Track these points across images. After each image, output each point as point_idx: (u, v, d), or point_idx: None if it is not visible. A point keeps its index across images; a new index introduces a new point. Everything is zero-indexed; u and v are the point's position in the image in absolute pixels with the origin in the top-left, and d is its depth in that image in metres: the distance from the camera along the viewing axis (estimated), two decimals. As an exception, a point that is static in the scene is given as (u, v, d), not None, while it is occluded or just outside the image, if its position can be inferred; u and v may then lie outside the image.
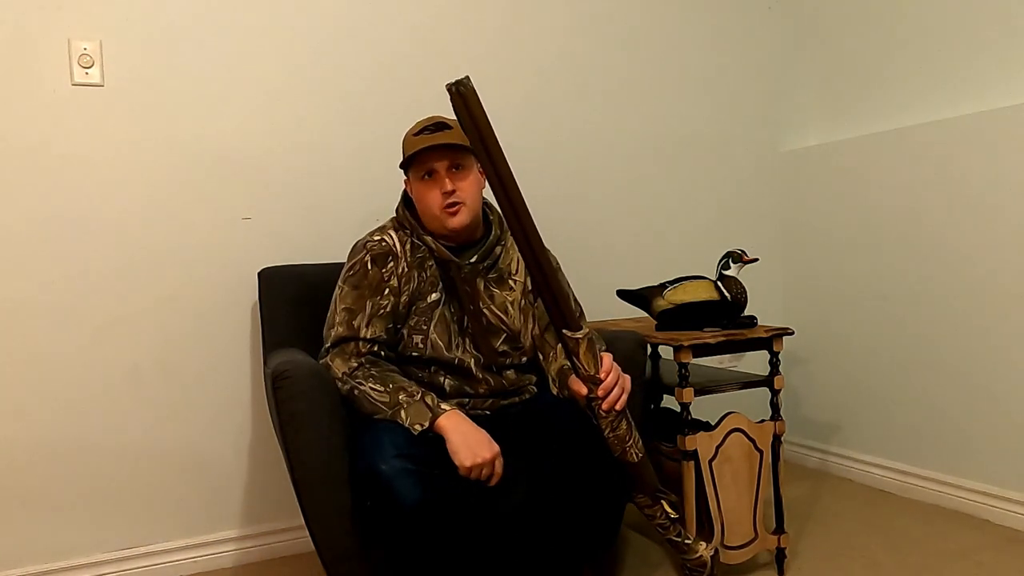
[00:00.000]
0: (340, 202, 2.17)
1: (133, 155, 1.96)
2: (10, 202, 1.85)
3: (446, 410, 1.47)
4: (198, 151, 2.02)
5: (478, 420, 1.65)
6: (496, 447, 1.45)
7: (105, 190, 1.93)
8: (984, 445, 2.23)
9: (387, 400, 1.49)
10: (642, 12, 2.60)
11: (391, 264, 1.62)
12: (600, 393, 1.43)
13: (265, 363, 1.84)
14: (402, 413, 1.47)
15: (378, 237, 1.65)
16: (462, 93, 1.31)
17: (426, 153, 1.59)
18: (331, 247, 2.09)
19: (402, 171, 1.68)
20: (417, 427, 1.45)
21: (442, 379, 1.64)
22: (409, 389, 1.51)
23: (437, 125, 1.61)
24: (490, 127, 1.34)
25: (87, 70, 1.90)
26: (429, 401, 1.49)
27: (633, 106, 2.59)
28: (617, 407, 1.45)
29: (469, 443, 1.43)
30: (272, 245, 2.09)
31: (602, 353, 1.47)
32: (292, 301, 1.93)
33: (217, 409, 2.06)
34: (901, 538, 2.10)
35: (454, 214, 1.60)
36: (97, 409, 1.94)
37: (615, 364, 1.47)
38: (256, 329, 2.06)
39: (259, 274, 1.98)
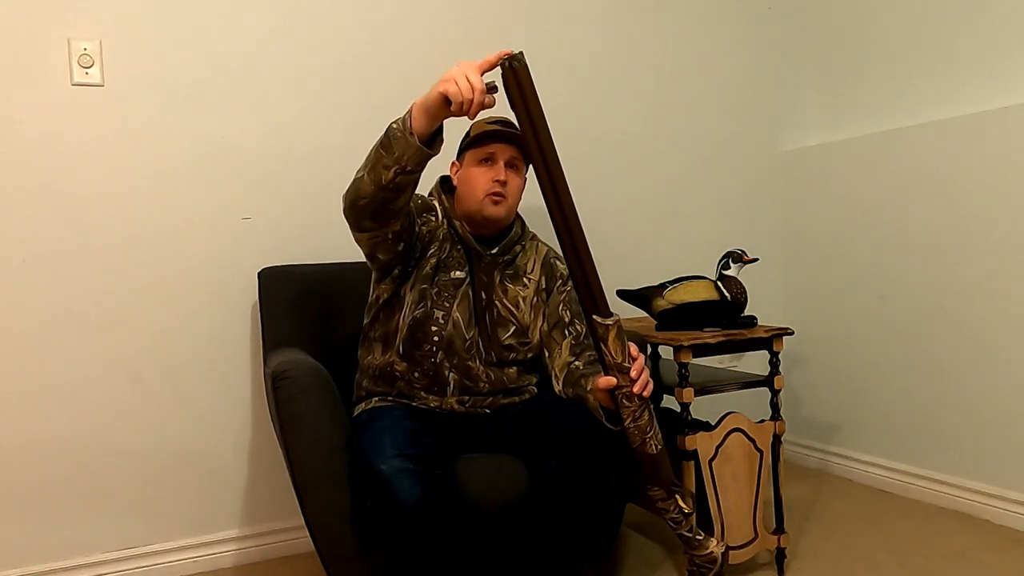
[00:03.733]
0: (340, 203, 2.16)
1: (133, 155, 1.96)
2: (10, 202, 1.85)
3: (408, 115, 1.40)
4: (198, 151, 2.02)
5: (479, 419, 1.66)
6: (459, 65, 1.33)
7: (105, 190, 1.93)
8: (984, 445, 2.23)
9: (365, 160, 1.44)
10: (641, 12, 2.60)
11: (431, 218, 1.68)
12: (633, 375, 1.41)
13: (265, 363, 1.84)
14: (379, 146, 1.41)
15: (428, 197, 1.72)
16: (515, 68, 1.32)
17: (494, 139, 1.65)
18: (331, 247, 2.09)
19: (455, 155, 1.74)
20: (410, 138, 1.37)
21: (447, 372, 1.64)
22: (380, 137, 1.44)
23: (510, 124, 1.66)
24: (539, 105, 1.34)
25: (87, 70, 1.90)
26: (393, 123, 1.41)
27: (632, 106, 2.59)
28: (645, 393, 1.44)
29: (434, 87, 1.35)
30: (272, 245, 2.09)
31: (628, 342, 1.46)
32: (292, 301, 1.93)
33: (217, 409, 2.06)
34: (901, 538, 2.10)
35: (496, 203, 1.65)
36: (97, 409, 1.94)
37: (641, 353, 1.47)
38: (256, 329, 2.06)
39: (259, 274, 1.98)
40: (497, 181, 1.64)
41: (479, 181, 1.66)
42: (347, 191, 1.51)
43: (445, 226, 1.69)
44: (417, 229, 1.65)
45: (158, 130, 1.98)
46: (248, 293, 2.06)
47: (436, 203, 1.72)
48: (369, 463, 1.39)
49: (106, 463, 1.95)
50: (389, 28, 2.23)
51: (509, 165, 1.67)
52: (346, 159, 2.17)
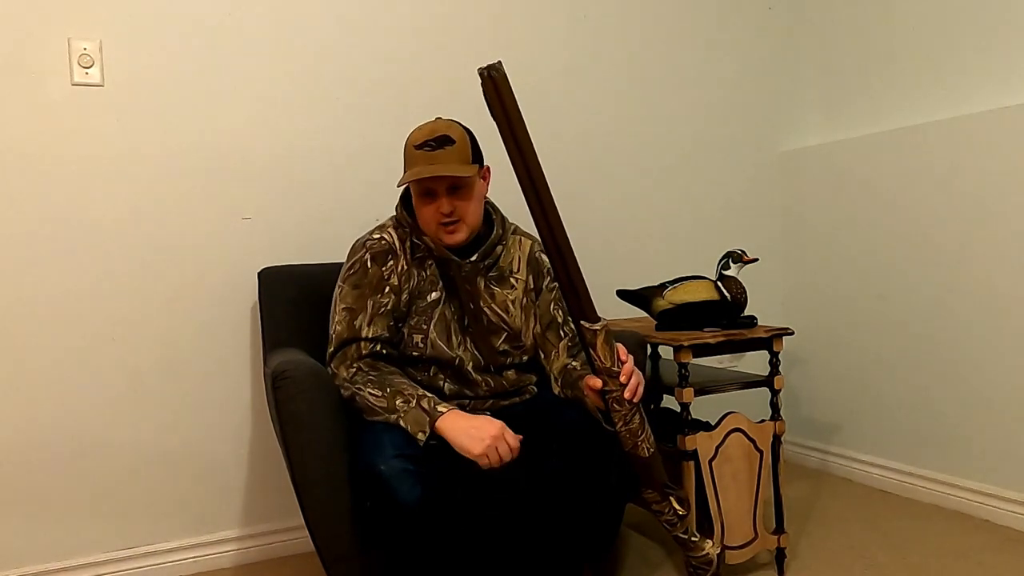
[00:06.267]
0: (340, 202, 2.17)
1: (133, 155, 1.96)
2: (10, 202, 1.85)
3: (443, 412, 1.46)
4: (198, 151, 2.02)
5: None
6: (498, 423, 1.44)
7: (105, 190, 1.93)
8: (984, 445, 2.23)
9: (385, 405, 1.49)
10: (641, 12, 2.60)
11: (391, 262, 1.62)
12: (623, 379, 1.41)
13: (265, 363, 1.84)
14: (401, 421, 1.46)
15: (377, 235, 1.64)
16: (494, 78, 1.30)
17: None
18: (331, 247, 2.09)
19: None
20: (420, 436, 1.44)
21: (441, 382, 1.64)
22: (406, 393, 1.49)
23: (439, 140, 1.54)
24: (519, 113, 1.33)
25: (87, 70, 1.90)
26: (426, 405, 1.47)
27: (633, 107, 2.59)
28: (635, 398, 1.44)
29: (472, 435, 1.42)
30: (272, 245, 2.09)
31: (617, 344, 1.46)
32: (292, 301, 1.93)
33: (217, 409, 2.06)
34: (901, 538, 2.10)
35: (451, 232, 1.57)
36: (97, 409, 1.94)
37: (630, 355, 1.47)
38: (256, 329, 2.06)
39: (259, 274, 1.98)
40: (443, 213, 1.55)
41: (426, 215, 1.58)
42: (350, 403, 1.54)
43: (409, 254, 1.62)
44: (396, 298, 1.61)
45: (158, 130, 1.98)
46: (248, 293, 2.06)
47: (392, 231, 1.64)
48: (369, 463, 1.39)
49: (106, 463, 1.95)
50: (389, 28, 2.23)
51: (451, 191, 1.56)
52: (346, 159, 2.18)
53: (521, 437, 1.45)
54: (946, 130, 2.27)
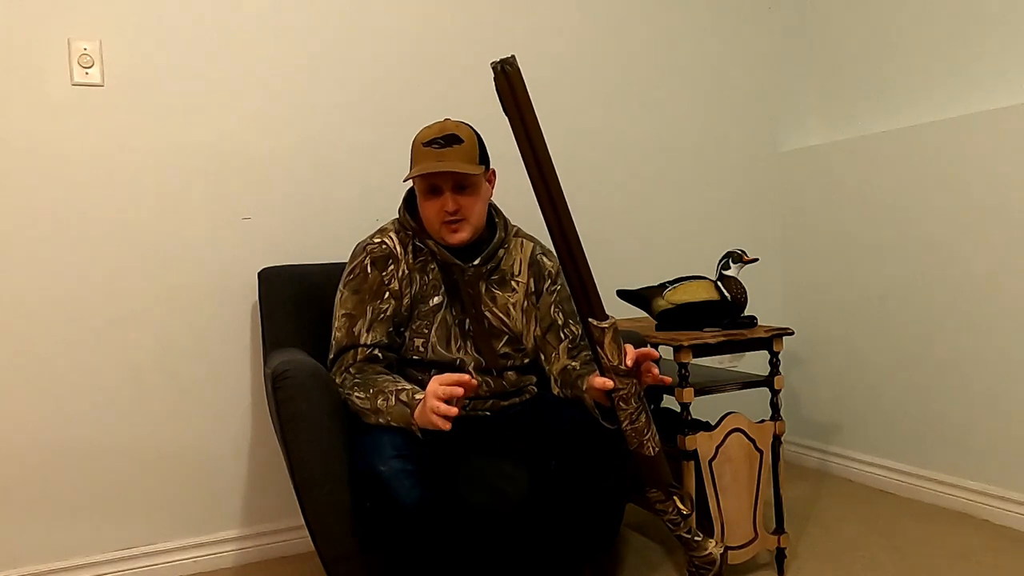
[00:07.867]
0: (340, 202, 2.17)
1: (133, 155, 1.96)
2: (10, 202, 1.85)
3: (420, 399, 1.42)
4: (198, 151, 2.02)
5: (479, 421, 1.66)
6: (431, 388, 1.37)
7: (105, 190, 1.93)
8: (984, 445, 2.23)
9: (369, 406, 1.49)
10: (641, 13, 2.60)
11: (391, 267, 1.62)
12: (628, 363, 1.40)
13: (265, 363, 1.84)
14: (392, 421, 1.46)
15: (378, 239, 1.64)
16: (507, 72, 1.29)
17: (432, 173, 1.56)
18: (331, 248, 2.09)
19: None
20: (414, 428, 1.44)
21: None
22: (387, 390, 1.48)
23: (448, 138, 1.55)
24: (532, 108, 1.32)
25: (87, 70, 1.90)
26: (404, 398, 1.45)
27: (633, 107, 2.59)
28: (666, 381, 1.44)
29: (430, 416, 1.37)
30: (272, 245, 2.09)
31: (624, 345, 1.45)
32: (292, 301, 1.93)
33: (217, 409, 2.06)
34: (902, 538, 2.10)
35: (455, 231, 1.58)
36: (97, 409, 1.94)
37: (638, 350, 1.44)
38: (256, 329, 2.06)
39: (259, 274, 1.98)
40: (447, 212, 1.56)
41: (431, 213, 1.59)
42: (343, 404, 1.54)
43: (411, 257, 1.63)
44: (397, 303, 1.61)
45: (158, 130, 1.98)
46: (248, 293, 2.06)
47: (394, 235, 1.64)
48: (368, 464, 1.39)
49: (106, 463, 1.95)
50: (390, 28, 2.23)
51: (457, 189, 1.57)
52: (346, 159, 2.18)
53: (467, 379, 1.39)
54: (946, 130, 2.27)
